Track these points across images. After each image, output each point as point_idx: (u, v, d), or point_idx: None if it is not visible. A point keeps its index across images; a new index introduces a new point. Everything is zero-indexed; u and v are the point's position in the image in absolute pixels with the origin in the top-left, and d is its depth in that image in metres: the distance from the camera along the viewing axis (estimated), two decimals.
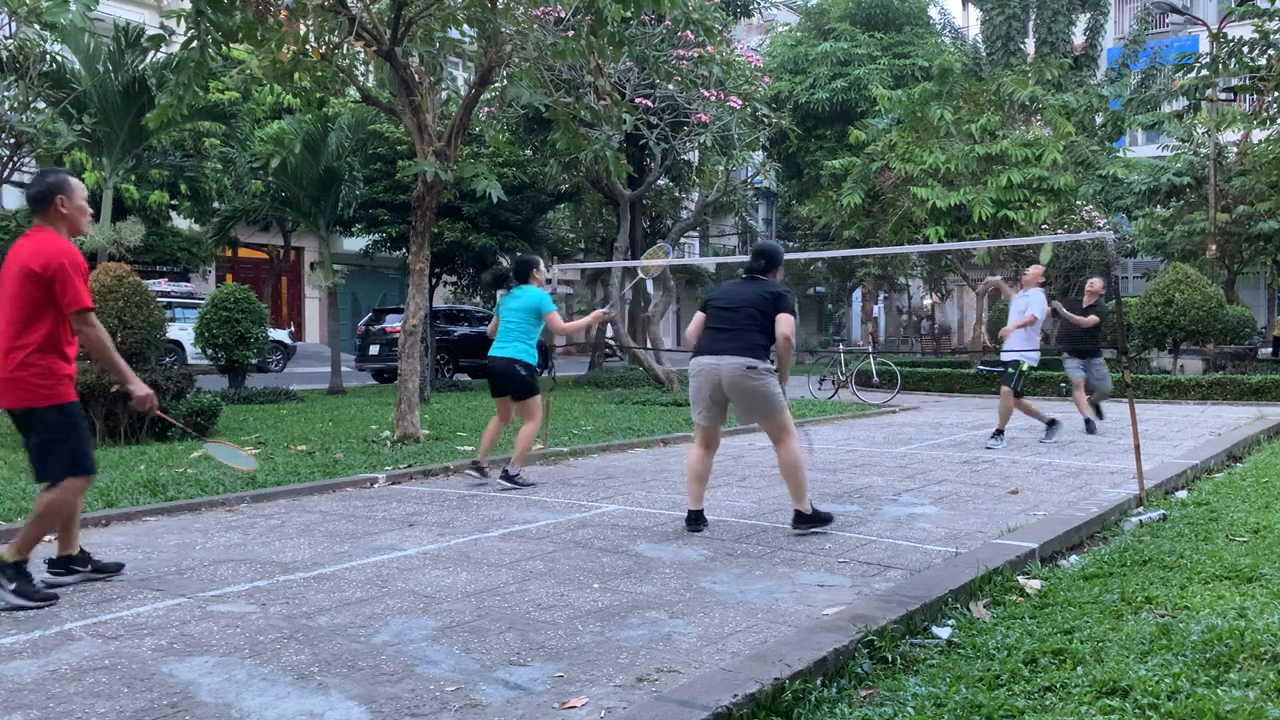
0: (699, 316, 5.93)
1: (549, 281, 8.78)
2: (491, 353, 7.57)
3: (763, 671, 3.20)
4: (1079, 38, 29.64)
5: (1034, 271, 10.38)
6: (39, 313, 4.21)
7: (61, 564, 4.64)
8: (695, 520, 5.84)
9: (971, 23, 36.56)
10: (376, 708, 3.13)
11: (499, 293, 8.44)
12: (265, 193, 18.90)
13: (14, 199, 24.45)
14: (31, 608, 4.22)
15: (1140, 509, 6.25)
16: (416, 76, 9.81)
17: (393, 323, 19.45)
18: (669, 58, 14.65)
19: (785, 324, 5.59)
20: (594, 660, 3.55)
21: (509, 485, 7.37)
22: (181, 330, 20.86)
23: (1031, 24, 28.93)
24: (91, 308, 4.29)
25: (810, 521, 5.67)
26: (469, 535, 5.71)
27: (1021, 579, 4.54)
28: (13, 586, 4.25)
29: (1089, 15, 29.42)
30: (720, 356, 5.60)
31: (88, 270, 4.32)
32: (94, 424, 9.22)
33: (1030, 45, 29.20)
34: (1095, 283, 11.27)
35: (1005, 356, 10.06)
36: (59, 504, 4.34)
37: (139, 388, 4.52)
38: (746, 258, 6.06)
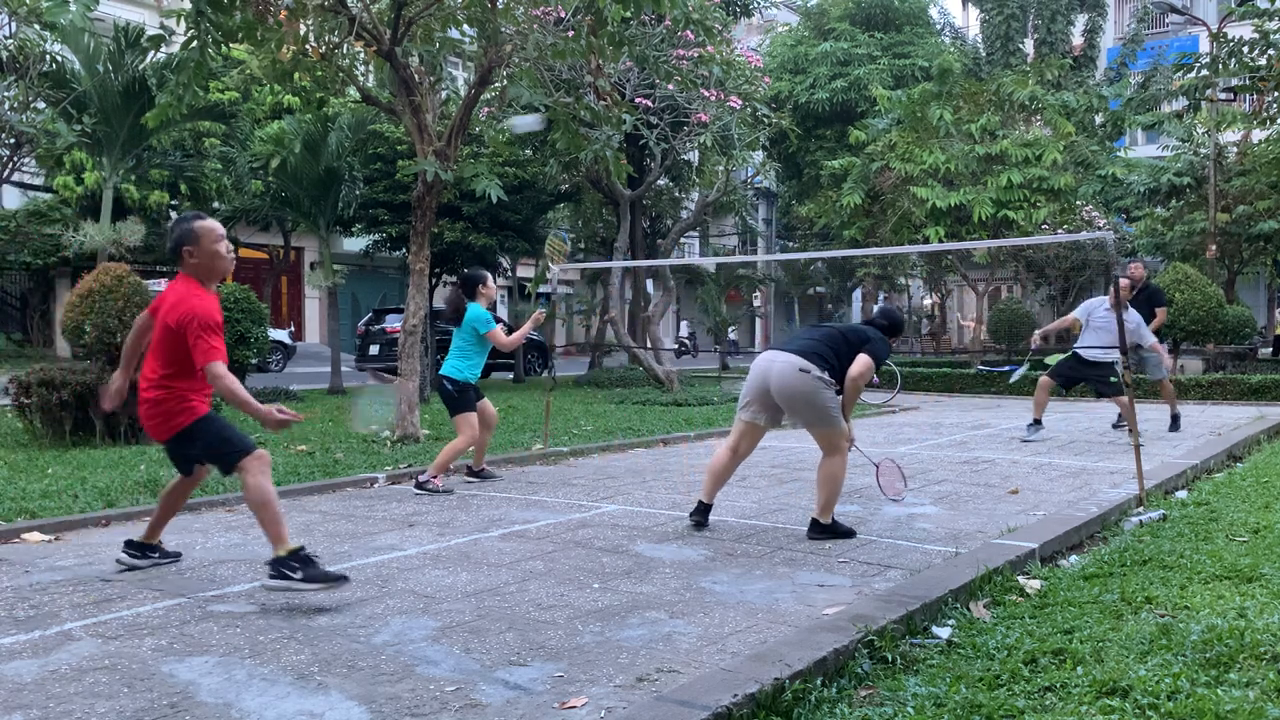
0: None
1: (548, 281, 8.75)
2: None
3: (763, 671, 3.20)
4: (1078, 38, 29.64)
5: (1126, 283, 10.54)
6: (183, 359, 4.43)
7: (138, 547, 4.91)
8: (700, 512, 5.70)
9: (971, 23, 36.56)
10: (376, 708, 3.13)
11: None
12: (265, 193, 18.89)
13: (14, 199, 24.45)
14: (325, 589, 4.29)
15: (1140, 509, 6.25)
16: (416, 76, 9.81)
17: (393, 323, 19.45)
18: (669, 58, 14.65)
19: (861, 364, 5.38)
20: (594, 660, 3.55)
21: (419, 491, 7.19)
22: None
23: (1030, 24, 28.94)
24: (218, 360, 4.39)
25: (827, 531, 5.45)
26: (469, 535, 5.71)
27: (1021, 579, 4.54)
28: (300, 575, 4.26)
29: (1087, 16, 29.42)
30: (776, 353, 5.46)
31: (220, 324, 4.46)
32: (94, 424, 9.22)
33: (1029, 45, 29.21)
34: (1136, 269, 11.12)
35: (1096, 359, 9.59)
36: (261, 488, 4.38)
37: (268, 417, 4.43)
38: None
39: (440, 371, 7.47)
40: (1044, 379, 10.18)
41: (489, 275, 7.73)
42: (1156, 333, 10.70)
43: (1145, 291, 10.90)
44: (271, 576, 4.29)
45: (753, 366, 5.61)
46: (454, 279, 21.22)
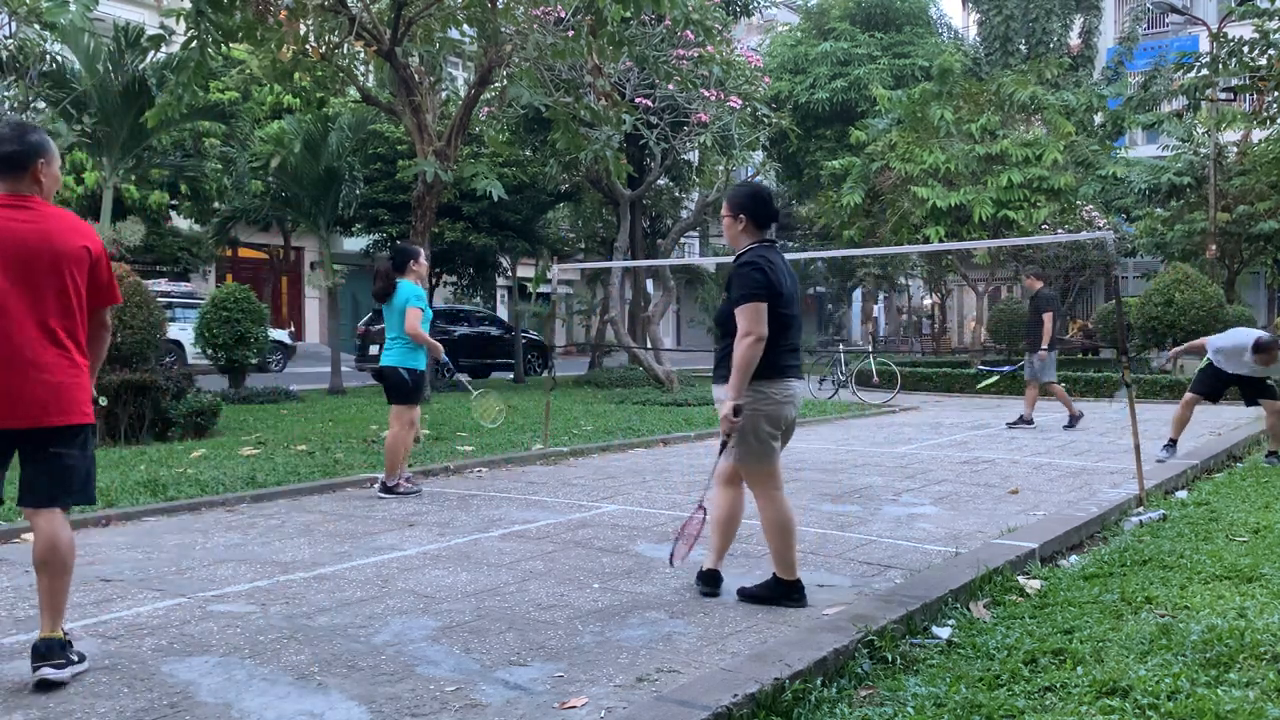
0: (761, 309, 4.08)
1: (548, 280, 8.73)
2: (380, 360, 7.09)
3: (763, 671, 3.20)
4: (1075, 39, 29.65)
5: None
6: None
7: None
8: (802, 595, 4.30)
9: (971, 24, 36.55)
10: (376, 708, 3.13)
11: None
12: (265, 193, 18.88)
13: None
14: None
15: (1140, 509, 6.25)
16: (416, 76, 9.82)
17: None
18: (669, 58, 14.65)
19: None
20: (594, 660, 3.55)
21: (386, 495, 6.95)
22: (181, 330, 20.85)
23: (1026, 25, 28.94)
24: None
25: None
26: (469, 535, 5.71)
27: (1021, 579, 4.54)
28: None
29: (1083, 18, 29.44)
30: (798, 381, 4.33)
31: None
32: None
33: (1025, 47, 29.21)
34: (1030, 281, 11.69)
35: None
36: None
37: None
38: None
39: (390, 362, 6.94)
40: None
41: (421, 252, 7.28)
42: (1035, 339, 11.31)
43: (1035, 299, 11.40)
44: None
45: (788, 396, 4.25)
46: (453, 278, 21.24)
